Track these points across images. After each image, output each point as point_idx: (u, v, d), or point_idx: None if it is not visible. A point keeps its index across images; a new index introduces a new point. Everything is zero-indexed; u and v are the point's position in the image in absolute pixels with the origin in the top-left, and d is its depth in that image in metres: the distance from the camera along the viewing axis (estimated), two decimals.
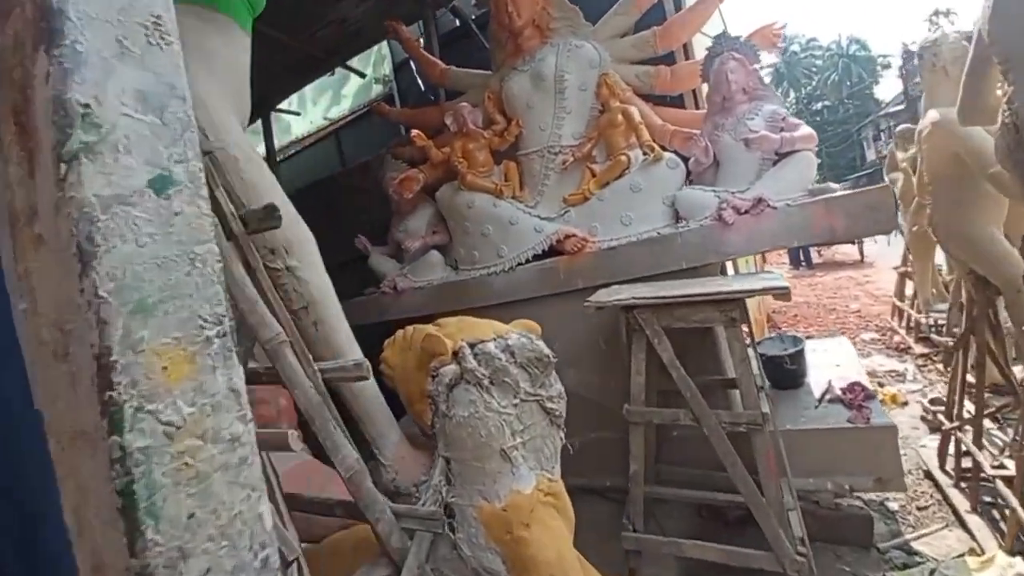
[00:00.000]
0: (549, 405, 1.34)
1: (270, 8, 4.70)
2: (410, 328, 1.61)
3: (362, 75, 6.18)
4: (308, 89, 7.41)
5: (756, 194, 2.47)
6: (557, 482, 1.38)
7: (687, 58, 3.65)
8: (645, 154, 2.89)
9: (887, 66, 34.48)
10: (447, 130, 3.56)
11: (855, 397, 2.71)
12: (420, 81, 5.40)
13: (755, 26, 3.08)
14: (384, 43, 5.85)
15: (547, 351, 1.34)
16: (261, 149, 7.05)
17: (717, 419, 2.00)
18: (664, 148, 3.01)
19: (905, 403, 4.32)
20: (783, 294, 1.83)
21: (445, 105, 3.92)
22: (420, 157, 3.68)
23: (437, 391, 1.32)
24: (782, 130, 2.57)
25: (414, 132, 3.33)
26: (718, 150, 2.72)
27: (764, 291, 1.89)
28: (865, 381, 2.90)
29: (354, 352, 1.79)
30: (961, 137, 2.45)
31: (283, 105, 6.93)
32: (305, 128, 7.41)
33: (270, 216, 1.30)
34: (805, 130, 2.51)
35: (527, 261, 3.10)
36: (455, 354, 1.33)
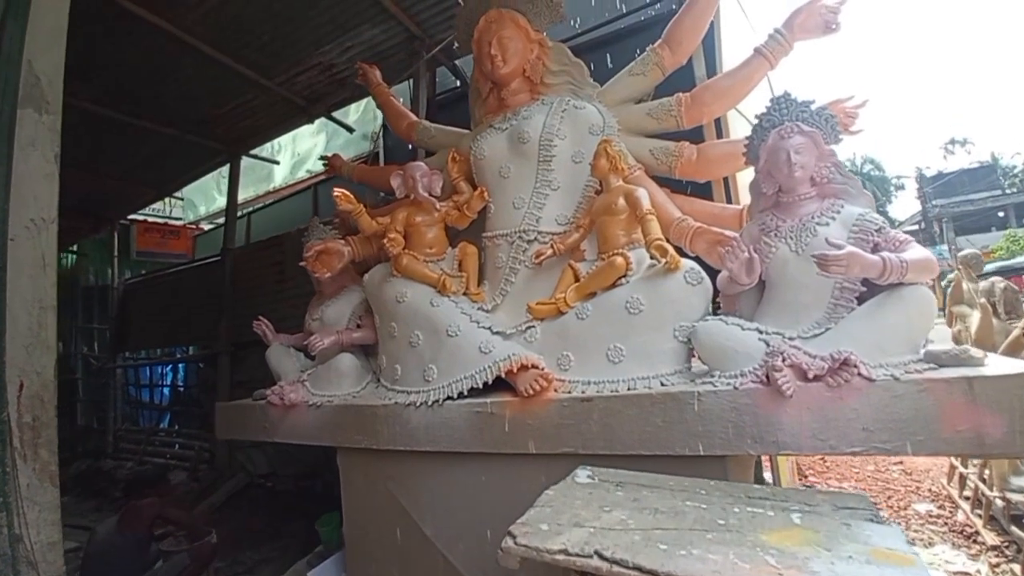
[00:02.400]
0: None
1: (240, 40, 4.14)
2: None
3: (349, 129, 5.54)
4: (298, 139, 6.87)
5: (837, 350, 1.43)
6: None
7: (719, 137, 2.80)
8: (653, 258, 1.91)
9: (901, 187, 34.36)
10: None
11: None
12: None
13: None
14: None
15: None
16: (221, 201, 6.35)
17: None
18: (682, 252, 2.04)
19: None
20: None
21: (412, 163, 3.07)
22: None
23: None
24: (876, 246, 1.58)
25: (337, 191, 2.43)
26: (769, 266, 1.72)
27: None
28: None
29: None
30: None
31: (266, 153, 6.33)
32: (284, 179, 6.78)
33: None
34: (919, 251, 1.52)
35: (460, 395, 2.04)
36: None
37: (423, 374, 2.17)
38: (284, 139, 6.52)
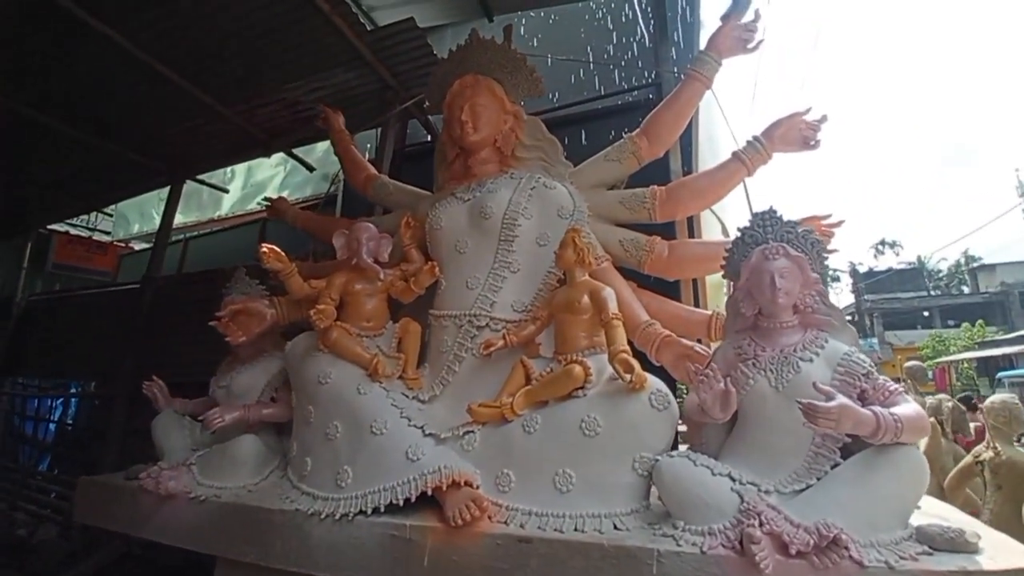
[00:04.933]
0: None
1: (199, 66, 3.84)
2: None
3: (310, 168, 5.25)
4: (254, 168, 6.52)
5: (824, 521, 1.20)
6: None
7: (690, 233, 2.70)
8: (617, 372, 1.67)
9: (836, 279, 36.59)
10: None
11: None
12: None
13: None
14: None
15: None
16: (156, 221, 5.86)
17: None
18: (646, 362, 1.82)
19: None
20: None
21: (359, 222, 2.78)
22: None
23: None
24: (863, 393, 1.41)
25: (264, 246, 2.12)
26: (744, 399, 1.52)
27: None
28: None
29: None
30: None
31: (217, 178, 5.93)
32: (232, 207, 6.34)
33: None
34: (910, 407, 1.35)
35: (376, 510, 1.68)
36: None
37: (336, 477, 1.81)
38: (239, 166, 6.14)
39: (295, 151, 5.11)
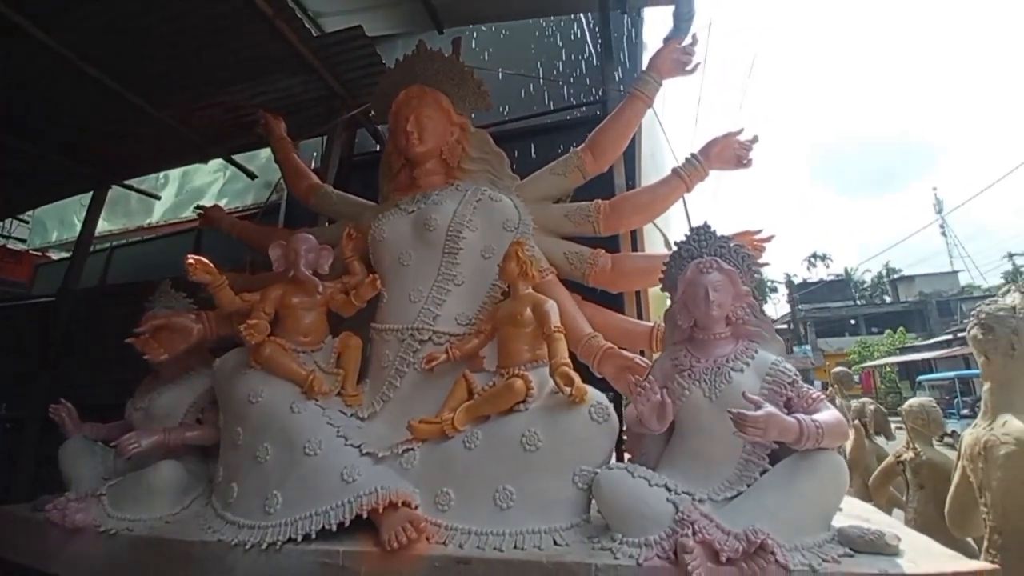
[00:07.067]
0: None
1: (126, 64, 3.61)
2: None
3: (251, 175, 5.03)
4: (190, 174, 6.19)
5: (752, 527, 1.23)
6: None
7: (634, 245, 2.76)
8: (557, 385, 1.66)
9: (775, 290, 38.68)
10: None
11: None
12: None
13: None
14: None
15: None
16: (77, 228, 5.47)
17: None
18: (586, 373, 1.83)
19: None
20: None
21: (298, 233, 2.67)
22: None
23: None
24: (789, 401, 1.47)
25: (191, 258, 1.99)
26: (680, 409, 1.55)
27: None
28: None
29: None
30: None
31: (148, 183, 5.58)
32: (164, 215, 5.97)
33: None
34: (831, 414, 1.41)
35: (307, 537, 1.59)
36: None
37: (264, 503, 1.70)
38: (173, 172, 5.81)
39: (236, 157, 4.89)
